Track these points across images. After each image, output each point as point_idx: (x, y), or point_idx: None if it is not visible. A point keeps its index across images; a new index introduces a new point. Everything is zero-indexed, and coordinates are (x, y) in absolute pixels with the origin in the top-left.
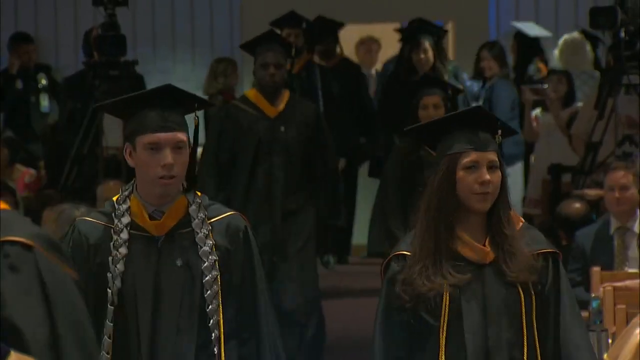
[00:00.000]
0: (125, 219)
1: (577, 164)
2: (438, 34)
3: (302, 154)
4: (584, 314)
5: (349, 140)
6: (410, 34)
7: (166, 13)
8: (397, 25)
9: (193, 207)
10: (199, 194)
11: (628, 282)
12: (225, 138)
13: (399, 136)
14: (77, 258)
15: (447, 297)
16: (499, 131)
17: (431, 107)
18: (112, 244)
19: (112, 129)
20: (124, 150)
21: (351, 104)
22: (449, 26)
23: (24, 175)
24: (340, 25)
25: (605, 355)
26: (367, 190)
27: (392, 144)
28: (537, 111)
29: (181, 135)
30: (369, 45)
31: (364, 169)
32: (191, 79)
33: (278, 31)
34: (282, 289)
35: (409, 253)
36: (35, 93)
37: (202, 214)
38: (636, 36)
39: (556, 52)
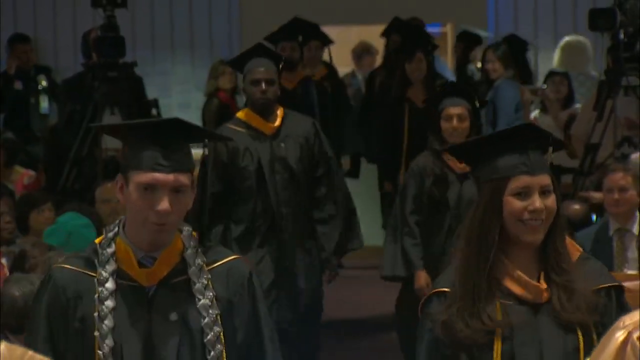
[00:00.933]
0: (111, 266)
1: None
2: (430, 46)
3: (305, 172)
4: None
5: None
6: (404, 45)
7: (165, 14)
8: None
9: (189, 251)
10: (194, 234)
11: (627, 284)
12: (219, 164)
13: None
14: (53, 316)
15: (499, 345)
16: (551, 148)
17: (455, 118)
18: (96, 296)
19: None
20: (115, 183)
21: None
22: (448, 28)
23: (23, 176)
24: (316, 26)
25: (587, 359)
26: (362, 192)
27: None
28: (535, 112)
29: (183, 178)
30: (366, 49)
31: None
32: (190, 80)
33: (272, 47)
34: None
35: (449, 290)
36: (34, 94)
37: (199, 260)
38: (635, 38)
39: (556, 53)
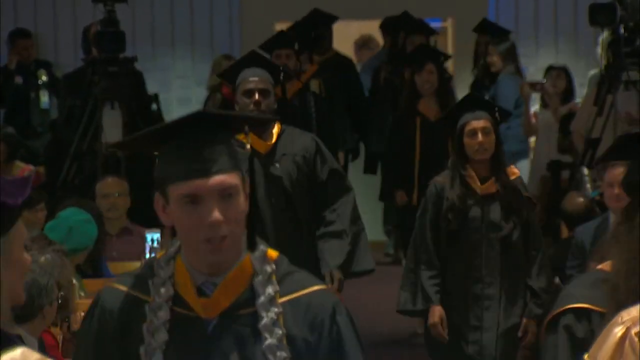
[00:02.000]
0: (166, 291)
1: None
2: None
3: (303, 194)
4: None
5: (343, 138)
6: (413, 58)
7: (165, 9)
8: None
9: (260, 277)
10: (272, 255)
11: None
12: None
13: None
14: (101, 344)
15: None
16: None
17: (480, 130)
18: (145, 325)
19: (112, 126)
20: (155, 203)
21: (344, 99)
22: (449, 23)
23: (23, 171)
24: (335, 18)
25: (585, 355)
26: (361, 186)
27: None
28: (536, 107)
29: (230, 179)
30: (367, 43)
31: (357, 165)
32: (190, 75)
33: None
34: None
35: (597, 309)
36: (35, 89)
37: (271, 289)
38: (635, 33)
39: (599, 50)
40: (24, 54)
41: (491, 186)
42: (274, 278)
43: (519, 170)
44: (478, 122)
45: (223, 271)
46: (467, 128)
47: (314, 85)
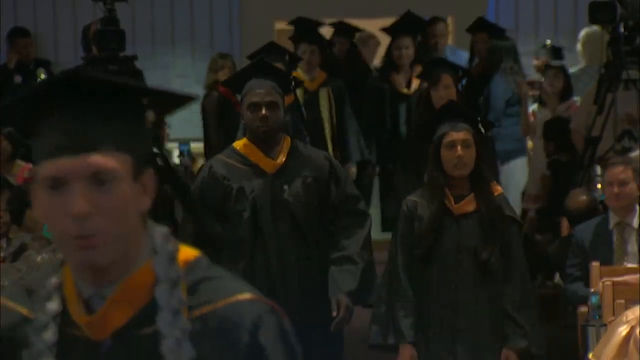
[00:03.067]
0: (53, 306)
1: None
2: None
3: (314, 220)
4: (584, 309)
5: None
6: (428, 69)
7: (165, 8)
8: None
9: (163, 285)
10: (187, 256)
11: (627, 277)
12: (209, 206)
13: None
14: None
15: None
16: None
17: (460, 143)
18: (26, 351)
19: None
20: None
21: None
22: (449, 21)
23: (23, 170)
24: (318, 24)
25: (590, 354)
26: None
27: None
28: (534, 107)
29: (106, 160)
30: (367, 41)
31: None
32: (191, 74)
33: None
34: None
35: None
36: None
37: (176, 301)
38: (635, 31)
39: (579, 46)
40: (24, 53)
41: (468, 204)
42: (182, 287)
43: (515, 169)
44: (458, 134)
45: (113, 280)
46: (446, 140)
47: (323, 95)
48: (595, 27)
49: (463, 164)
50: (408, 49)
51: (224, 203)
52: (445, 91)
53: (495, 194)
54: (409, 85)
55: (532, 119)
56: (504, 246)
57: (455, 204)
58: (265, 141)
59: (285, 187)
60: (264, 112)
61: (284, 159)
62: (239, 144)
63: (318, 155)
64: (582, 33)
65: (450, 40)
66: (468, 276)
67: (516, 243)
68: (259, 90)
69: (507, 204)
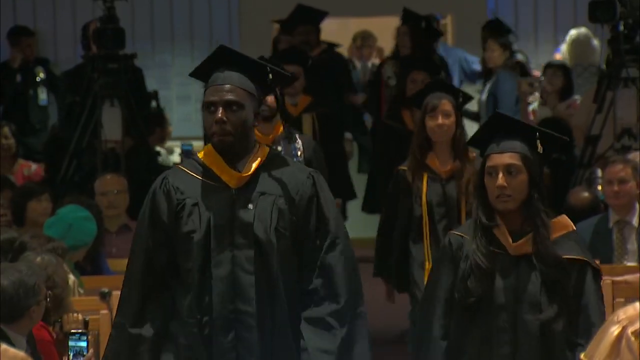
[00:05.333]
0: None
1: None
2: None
3: (283, 250)
4: None
5: (335, 135)
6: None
7: (165, 6)
8: (396, 18)
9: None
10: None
11: (627, 276)
12: (161, 224)
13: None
14: None
15: None
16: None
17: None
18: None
19: (111, 123)
20: None
21: (336, 94)
22: (448, 19)
23: (23, 168)
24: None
25: (582, 355)
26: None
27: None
28: (534, 105)
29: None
30: (364, 39)
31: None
32: (190, 71)
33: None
34: None
35: None
36: (33, 86)
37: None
38: (635, 30)
39: (564, 47)
40: (27, 52)
41: (526, 245)
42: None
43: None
44: (501, 158)
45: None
46: (488, 164)
47: (307, 122)
48: (583, 29)
49: (506, 195)
50: (424, 84)
51: (174, 223)
52: (444, 120)
53: (560, 232)
54: None
55: (532, 117)
56: (573, 302)
57: (513, 241)
58: (226, 150)
59: (250, 206)
60: (219, 114)
61: (251, 172)
62: (203, 152)
63: (301, 172)
64: (569, 35)
65: (449, 39)
66: (528, 337)
67: (594, 298)
68: (221, 85)
69: (576, 245)
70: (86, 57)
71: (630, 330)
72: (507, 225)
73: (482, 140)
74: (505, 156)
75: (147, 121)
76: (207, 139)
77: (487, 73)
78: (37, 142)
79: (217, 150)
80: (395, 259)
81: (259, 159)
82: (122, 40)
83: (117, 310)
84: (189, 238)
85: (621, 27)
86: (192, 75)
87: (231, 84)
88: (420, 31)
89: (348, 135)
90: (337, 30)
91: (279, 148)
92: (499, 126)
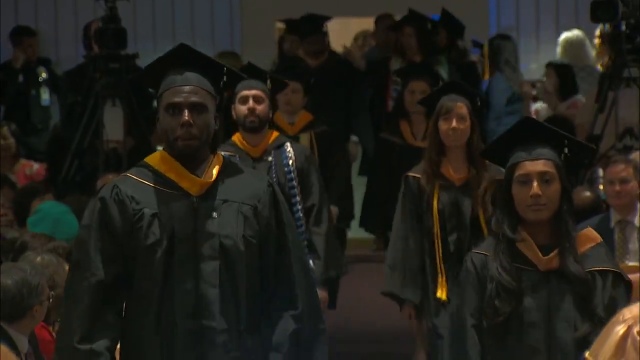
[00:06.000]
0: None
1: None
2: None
3: (252, 260)
4: None
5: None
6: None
7: (166, 6)
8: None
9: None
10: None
11: (629, 276)
12: (109, 235)
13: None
14: None
15: None
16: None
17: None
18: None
19: (113, 123)
20: None
21: (341, 100)
22: None
23: (24, 167)
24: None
25: (587, 354)
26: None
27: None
28: (537, 105)
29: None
30: (365, 39)
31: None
32: None
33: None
34: None
35: None
36: (35, 86)
37: None
38: (637, 29)
39: (558, 48)
40: (29, 52)
41: (555, 259)
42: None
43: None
44: (534, 165)
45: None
46: (519, 172)
47: (304, 141)
48: (576, 31)
49: (540, 205)
50: (425, 94)
51: (130, 235)
52: (458, 123)
53: (588, 245)
54: (425, 136)
55: (534, 117)
56: (605, 315)
57: (543, 255)
58: (192, 155)
59: (214, 214)
60: (186, 117)
61: (213, 178)
62: (153, 158)
63: (260, 180)
64: (562, 37)
65: None
66: (565, 356)
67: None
68: (180, 87)
69: (605, 257)
70: (88, 57)
71: (635, 329)
72: (534, 239)
73: (501, 148)
74: (539, 163)
75: (149, 121)
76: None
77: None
78: (39, 142)
79: (177, 155)
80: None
81: (217, 165)
82: (124, 40)
83: (58, 333)
84: (151, 251)
85: (623, 27)
86: (144, 76)
87: (193, 85)
88: (426, 33)
89: (354, 138)
90: (338, 30)
91: (270, 159)
92: (527, 132)
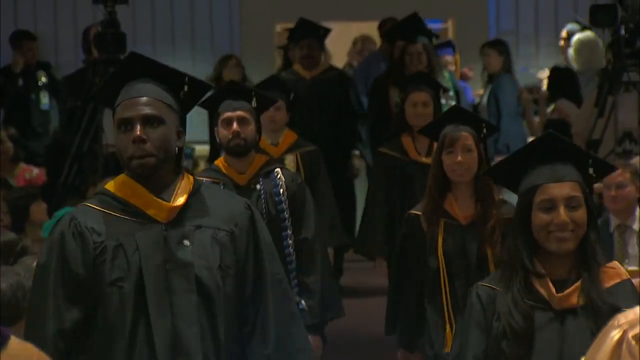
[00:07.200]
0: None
1: None
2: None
3: (229, 291)
4: None
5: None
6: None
7: (166, 10)
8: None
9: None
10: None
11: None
12: (74, 275)
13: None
14: None
15: None
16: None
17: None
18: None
19: (112, 127)
20: None
21: (338, 112)
22: (449, 24)
23: (24, 172)
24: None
25: (582, 359)
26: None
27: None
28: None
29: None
30: (364, 43)
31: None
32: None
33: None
34: None
35: None
36: (35, 91)
37: None
38: (636, 34)
39: (571, 51)
40: (29, 56)
41: (573, 295)
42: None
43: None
44: (561, 189)
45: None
46: (541, 197)
47: (290, 162)
48: (588, 32)
49: (569, 232)
50: (427, 106)
51: (94, 272)
52: (465, 157)
53: (612, 281)
54: (430, 151)
55: (537, 120)
56: None
57: (557, 292)
58: (150, 175)
59: (186, 242)
60: (138, 131)
61: (182, 201)
62: (114, 184)
63: (237, 202)
64: (575, 38)
65: None
66: None
67: None
68: (134, 98)
69: (634, 296)
70: (87, 61)
71: (631, 334)
72: (551, 272)
73: (515, 167)
74: (566, 186)
75: None
76: (213, 144)
77: (488, 78)
78: (39, 146)
79: (137, 178)
80: (409, 323)
81: (187, 187)
82: (123, 44)
83: None
84: (117, 287)
85: (622, 31)
86: (99, 94)
87: (148, 96)
88: (433, 48)
89: (356, 152)
90: (338, 35)
91: (258, 187)
92: (547, 149)
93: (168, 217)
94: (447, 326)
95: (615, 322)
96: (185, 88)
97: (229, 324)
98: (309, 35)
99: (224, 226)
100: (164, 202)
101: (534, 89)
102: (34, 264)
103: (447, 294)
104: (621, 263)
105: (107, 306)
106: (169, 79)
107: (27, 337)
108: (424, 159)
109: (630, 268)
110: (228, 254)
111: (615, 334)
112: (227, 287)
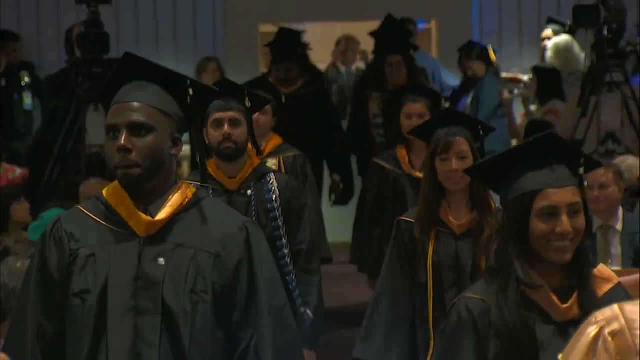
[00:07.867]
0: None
1: None
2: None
3: (210, 314)
4: None
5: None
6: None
7: (149, 11)
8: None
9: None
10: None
11: None
12: (51, 281)
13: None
14: None
15: None
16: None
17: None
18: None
19: (95, 127)
20: None
21: (319, 129)
22: (433, 24)
23: (7, 172)
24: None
25: (560, 356)
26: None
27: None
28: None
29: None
30: (347, 44)
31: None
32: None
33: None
34: None
35: None
36: (18, 91)
37: None
38: (619, 34)
39: (549, 54)
40: (12, 56)
41: (574, 307)
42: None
43: None
44: (564, 194)
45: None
46: (541, 203)
47: (271, 168)
48: (565, 36)
49: (569, 242)
50: (422, 118)
51: (66, 278)
52: (460, 164)
53: (602, 290)
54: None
55: (519, 120)
56: None
57: (561, 303)
58: (136, 186)
59: (161, 260)
60: (122, 140)
61: (166, 216)
62: (108, 189)
63: (234, 220)
64: (551, 43)
65: (433, 43)
66: None
67: None
68: (124, 103)
69: (625, 298)
70: (70, 61)
71: (607, 330)
72: (551, 283)
73: (504, 169)
74: (568, 192)
75: None
76: (193, 145)
77: (469, 81)
78: (22, 146)
79: (124, 187)
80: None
81: (179, 200)
82: (107, 44)
83: None
84: (80, 299)
85: (605, 32)
86: (102, 98)
87: (138, 102)
88: (412, 59)
89: (336, 177)
90: (322, 35)
91: (249, 192)
92: (544, 150)
93: (147, 231)
94: (432, 343)
95: (593, 319)
96: (191, 92)
97: (201, 349)
98: (286, 59)
99: (209, 247)
100: (143, 215)
101: (515, 89)
102: (17, 264)
103: (431, 309)
104: (604, 263)
105: (71, 318)
106: (170, 83)
107: (8, 341)
108: (418, 174)
109: (614, 268)
110: (206, 279)
111: (592, 330)
112: (197, 314)
